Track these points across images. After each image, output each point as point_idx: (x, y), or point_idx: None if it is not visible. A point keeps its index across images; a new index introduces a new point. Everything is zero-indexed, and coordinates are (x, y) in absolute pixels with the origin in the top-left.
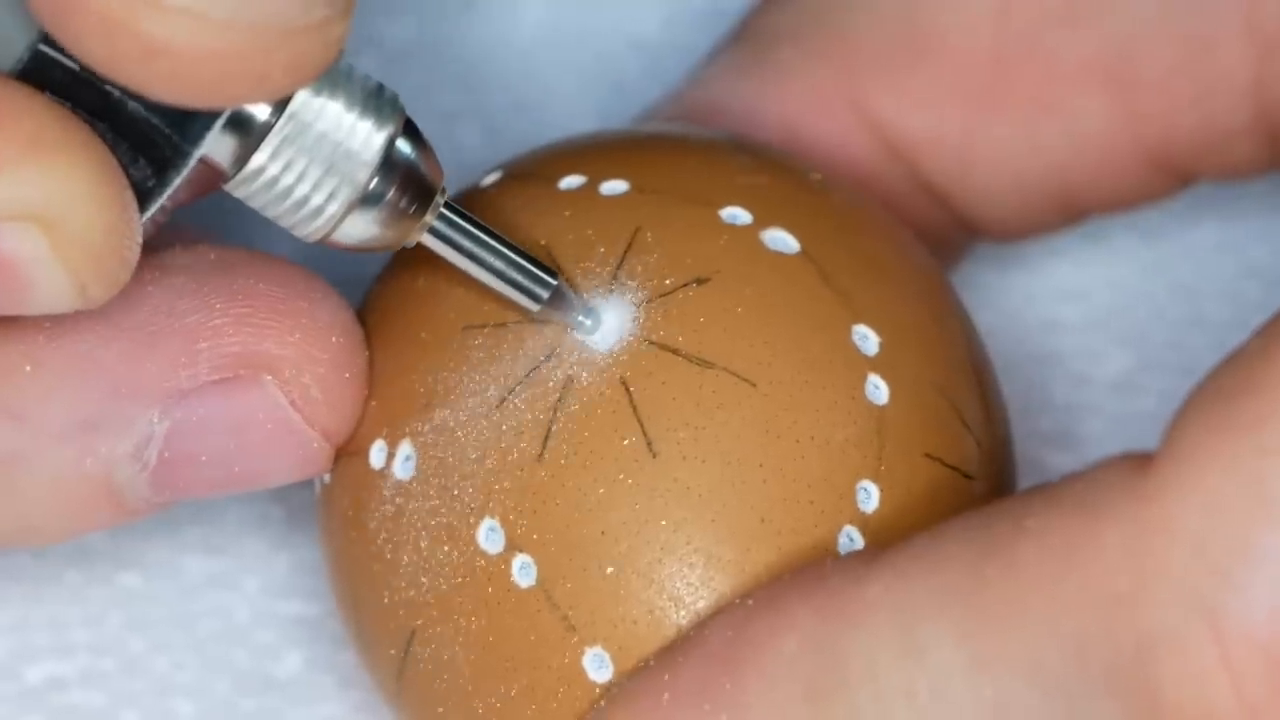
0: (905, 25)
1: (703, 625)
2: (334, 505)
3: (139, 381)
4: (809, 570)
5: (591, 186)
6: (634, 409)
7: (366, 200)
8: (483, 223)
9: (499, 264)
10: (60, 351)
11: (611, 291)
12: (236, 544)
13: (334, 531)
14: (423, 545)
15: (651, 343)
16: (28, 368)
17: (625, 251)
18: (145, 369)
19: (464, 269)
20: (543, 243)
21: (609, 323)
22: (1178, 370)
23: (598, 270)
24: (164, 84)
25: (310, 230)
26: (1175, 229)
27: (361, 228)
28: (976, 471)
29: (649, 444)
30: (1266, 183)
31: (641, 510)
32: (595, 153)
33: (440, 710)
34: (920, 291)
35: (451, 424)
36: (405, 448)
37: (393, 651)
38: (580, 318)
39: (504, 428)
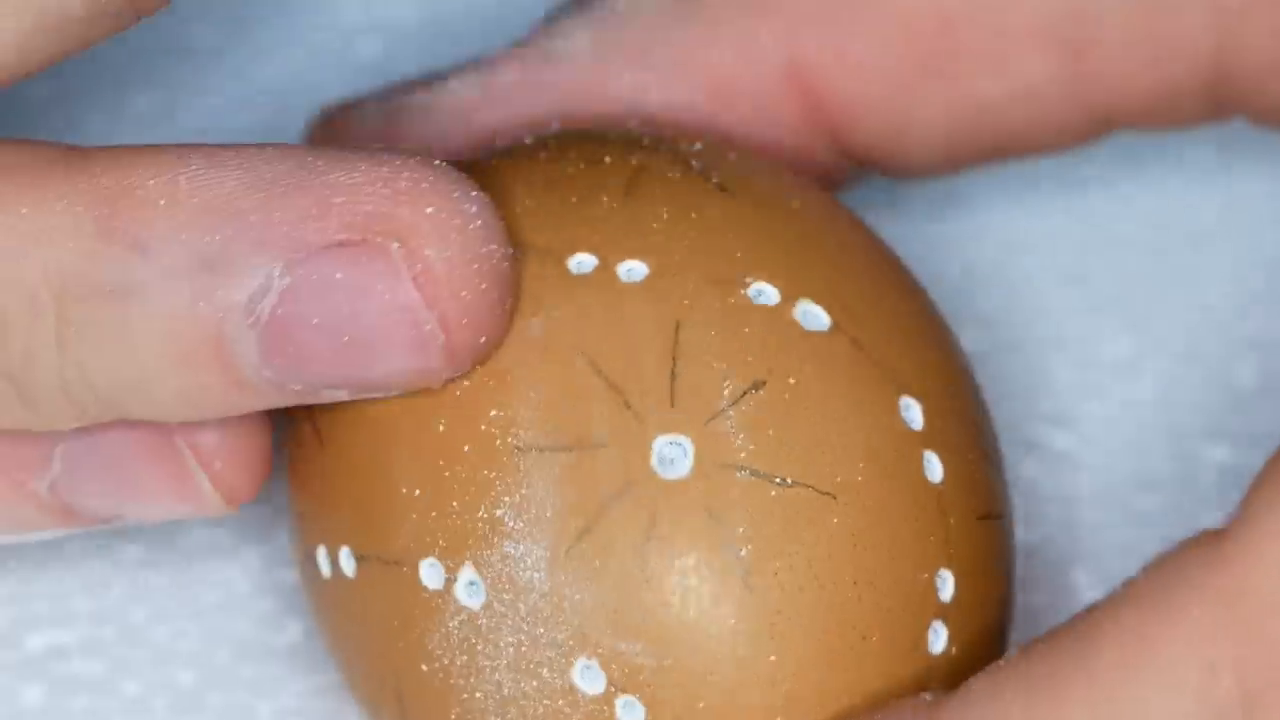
0: None
1: None
2: (371, 612)
3: (267, 227)
4: None
5: (607, 271)
6: (722, 540)
7: None
8: None
9: None
10: (198, 192)
11: (672, 410)
12: (237, 513)
13: (373, 640)
14: (504, 681)
15: (728, 465)
16: (162, 202)
17: (673, 361)
18: (275, 216)
19: None
20: (586, 358)
21: (682, 447)
22: (1178, 354)
23: (653, 389)
24: None
25: None
26: (1179, 214)
27: None
28: (1005, 505)
29: (744, 576)
30: (1270, 171)
31: (743, 647)
32: (580, 207)
33: None
34: (926, 332)
35: (525, 555)
36: (468, 572)
37: None
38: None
39: (589, 561)
